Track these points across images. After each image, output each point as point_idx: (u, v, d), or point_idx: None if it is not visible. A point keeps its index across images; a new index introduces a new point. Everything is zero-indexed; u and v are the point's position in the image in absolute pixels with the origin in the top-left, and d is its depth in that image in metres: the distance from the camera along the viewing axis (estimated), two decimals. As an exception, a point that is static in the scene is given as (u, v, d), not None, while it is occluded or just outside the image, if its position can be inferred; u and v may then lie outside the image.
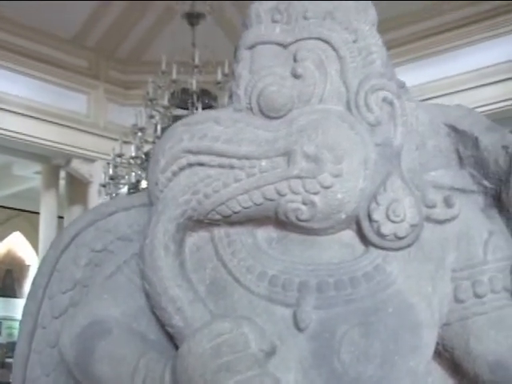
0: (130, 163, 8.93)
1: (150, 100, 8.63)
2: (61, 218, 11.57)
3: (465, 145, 1.62)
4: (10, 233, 16.83)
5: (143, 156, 8.68)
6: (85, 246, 1.74)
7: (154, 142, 8.13)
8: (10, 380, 1.84)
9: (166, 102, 8.58)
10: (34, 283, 1.79)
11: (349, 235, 1.53)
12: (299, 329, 1.44)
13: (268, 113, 1.53)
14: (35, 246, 13.41)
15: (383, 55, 1.60)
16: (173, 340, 1.51)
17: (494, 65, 9.12)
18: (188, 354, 1.39)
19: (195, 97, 8.56)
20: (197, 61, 8.59)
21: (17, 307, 13.99)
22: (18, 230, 16.74)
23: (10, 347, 12.41)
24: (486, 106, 8.68)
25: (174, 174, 1.55)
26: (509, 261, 1.52)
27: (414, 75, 8.92)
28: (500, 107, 8.90)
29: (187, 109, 8.55)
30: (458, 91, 9.17)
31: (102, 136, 11.17)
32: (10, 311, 15.26)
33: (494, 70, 9.09)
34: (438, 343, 1.52)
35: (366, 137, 1.50)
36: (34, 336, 1.76)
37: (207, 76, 8.62)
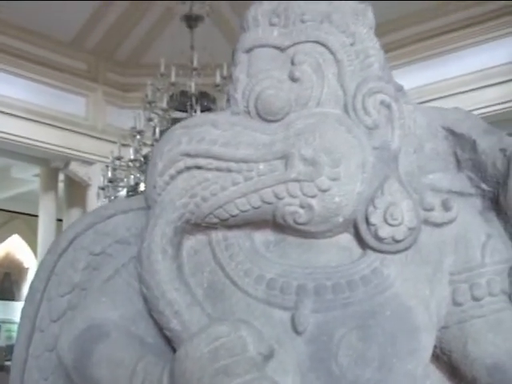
0: (128, 166, 8.93)
1: (149, 103, 8.63)
2: (59, 220, 11.58)
3: (463, 148, 1.62)
4: (8, 236, 16.83)
5: (142, 159, 8.68)
6: (83, 250, 1.73)
7: (152, 145, 8.14)
8: (9, 383, 1.84)
9: (164, 105, 8.59)
10: (31, 287, 1.78)
11: (346, 238, 1.54)
12: (297, 332, 1.44)
13: (265, 116, 1.53)
14: (34, 248, 13.39)
15: (381, 58, 1.60)
16: (171, 343, 1.51)
17: (498, 65, 9.11)
18: (186, 358, 1.39)
19: (194, 99, 8.57)
20: (195, 63, 8.60)
21: (15, 310, 13.97)
22: (17, 232, 16.74)
23: (9, 350, 12.39)
24: (490, 106, 8.71)
25: (172, 177, 1.55)
26: (507, 264, 1.53)
27: (419, 76, 8.96)
28: (504, 108, 8.90)
29: (186, 111, 8.55)
30: (462, 92, 9.17)
31: (100, 139, 11.17)
32: (8, 314, 15.24)
33: (498, 71, 9.08)
34: (435, 346, 1.52)
35: (363, 140, 1.51)
36: (32, 340, 1.76)
37: (206, 78, 8.63)
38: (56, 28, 10.54)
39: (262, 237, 1.57)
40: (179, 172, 1.54)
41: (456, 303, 1.50)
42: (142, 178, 8.32)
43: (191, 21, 9.18)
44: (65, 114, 10.92)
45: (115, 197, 8.77)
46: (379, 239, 1.48)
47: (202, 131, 1.54)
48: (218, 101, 8.60)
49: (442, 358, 1.54)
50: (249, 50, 1.59)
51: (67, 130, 10.90)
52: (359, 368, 1.42)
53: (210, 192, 1.51)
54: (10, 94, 10.24)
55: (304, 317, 1.44)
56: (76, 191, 11.50)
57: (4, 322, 15.46)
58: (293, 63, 1.55)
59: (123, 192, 8.95)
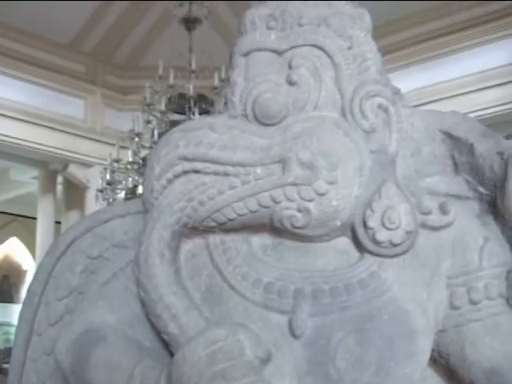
0: (127, 168, 8.93)
1: (147, 105, 8.63)
2: (58, 223, 11.56)
3: (460, 151, 1.62)
4: (6, 238, 16.81)
5: (140, 161, 8.68)
6: (81, 253, 1.73)
7: (151, 147, 8.14)
8: (7, 386, 1.84)
9: (163, 107, 8.57)
10: (29, 289, 1.78)
11: (344, 242, 1.54)
12: (295, 336, 1.44)
13: (263, 120, 1.53)
14: (32, 251, 13.38)
15: (378, 62, 1.60)
16: (168, 347, 1.51)
17: (497, 67, 9.10)
18: (183, 362, 1.39)
19: (192, 102, 8.56)
20: (194, 66, 8.60)
21: (14, 313, 13.94)
22: (15, 235, 16.72)
23: (7, 353, 12.37)
24: (489, 108, 8.71)
25: (169, 181, 1.55)
26: (504, 267, 1.53)
27: (418, 78, 8.96)
28: (503, 110, 8.90)
29: (184, 114, 8.55)
30: (461, 94, 9.17)
31: (99, 141, 11.17)
32: (6, 317, 15.21)
33: (497, 73, 9.06)
34: (433, 350, 1.52)
35: (360, 144, 1.51)
36: (30, 343, 1.76)
37: (204, 81, 8.63)
38: (54, 30, 10.54)
39: (260, 240, 1.57)
40: (177, 176, 1.54)
41: (453, 307, 1.51)
42: (141, 180, 8.30)
43: (190, 23, 9.17)
44: (63, 117, 10.92)
45: (113, 199, 8.77)
46: (377, 243, 1.48)
47: (200, 135, 1.55)
48: (216, 103, 8.60)
49: (440, 362, 1.54)
50: (246, 54, 1.59)
51: (66, 132, 10.90)
52: (357, 372, 1.42)
53: (207, 196, 1.51)
54: (9, 96, 10.23)
55: (301, 320, 1.44)
56: (74, 193, 11.50)
57: (2, 324, 15.43)
58: (290, 67, 1.55)
59: (121, 194, 8.94)
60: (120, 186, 9.01)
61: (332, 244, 1.54)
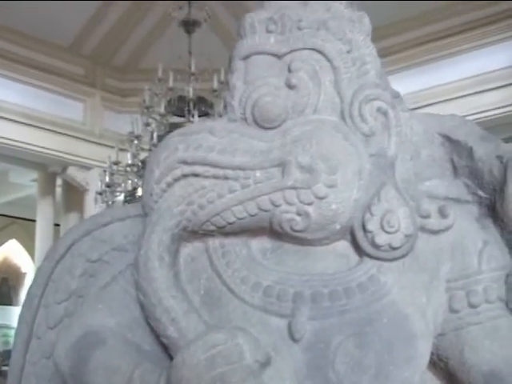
0: (126, 171, 8.92)
1: (147, 108, 8.62)
2: (57, 225, 11.55)
3: (459, 155, 1.62)
4: (6, 240, 16.81)
5: (139, 164, 8.67)
6: (80, 256, 1.73)
7: (150, 150, 8.13)
8: (6, 389, 1.84)
9: (162, 110, 8.57)
10: (29, 292, 1.78)
11: (343, 246, 1.54)
12: (294, 339, 1.44)
13: (262, 123, 1.53)
14: (31, 253, 13.37)
15: (377, 65, 1.60)
16: (167, 351, 1.51)
17: (496, 70, 9.09)
18: (182, 366, 1.39)
19: (192, 104, 8.56)
20: (193, 68, 8.60)
21: (13, 315, 13.94)
22: (14, 237, 16.71)
23: (6, 355, 12.36)
24: (489, 111, 8.70)
25: (169, 184, 1.55)
26: (503, 270, 1.53)
27: (418, 81, 8.96)
28: (503, 112, 8.90)
29: (184, 116, 8.55)
30: (461, 97, 9.15)
31: (98, 143, 11.16)
32: (6, 319, 15.20)
33: (497, 75, 9.05)
34: (432, 353, 1.52)
35: (360, 147, 1.51)
36: (30, 346, 1.76)
37: (203, 83, 8.63)
38: (54, 33, 10.53)
39: (259, 244, 1.57)
40: (176, 179, 1.54)
41: (453, 310, 1.51)
42: (140, 182, 8.30)
43: (189, 26, 9.17)
44: (62, 119, 10.91)
45: (113, 202, 8.77)
46: (376, 246, 1.48)
47: (199, 138, 1.55)
48: (215, 106, 8.59)
49: (439, 365, 1.54)
50: (246, 57, 1.59)
51: (65, 134, 10.88)
52: (356, 375, 1.42)
53: (206, 199, 1.51)
54: (8, 98, 10.22)
55: (301, 324, 1.44)
56: (74, 196, 11.49)
57: (1, 327, 15.41)
58: (290, 70, 1.55)
59: (121, 197, 8.94)
60: (119, 189, 9.00)
61: (331, 247, 1.54)
